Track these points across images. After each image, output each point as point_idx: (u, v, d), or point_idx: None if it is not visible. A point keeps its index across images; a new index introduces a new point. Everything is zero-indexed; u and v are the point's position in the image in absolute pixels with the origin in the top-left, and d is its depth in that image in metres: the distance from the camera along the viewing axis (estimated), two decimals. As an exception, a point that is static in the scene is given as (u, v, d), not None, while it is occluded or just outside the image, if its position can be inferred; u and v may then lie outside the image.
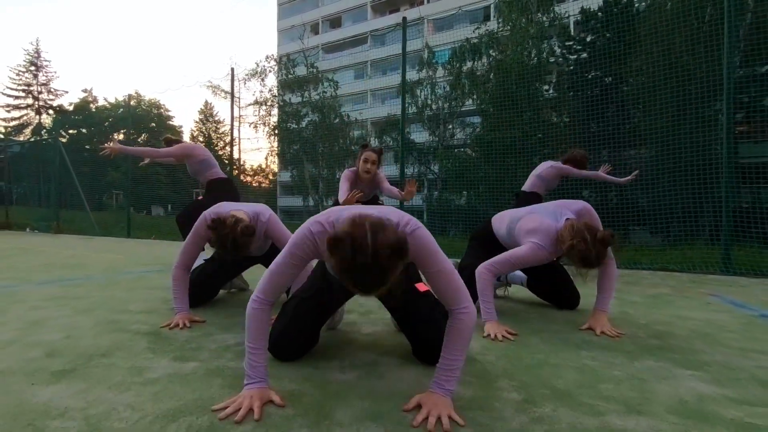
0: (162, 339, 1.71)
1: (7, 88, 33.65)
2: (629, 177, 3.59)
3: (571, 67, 11.41)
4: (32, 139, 26.87)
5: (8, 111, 33.55)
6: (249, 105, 19.93)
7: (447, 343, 1.15)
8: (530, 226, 1.94)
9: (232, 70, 7.52)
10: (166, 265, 3.95)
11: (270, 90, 18.02)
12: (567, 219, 1.89)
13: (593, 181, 5.66)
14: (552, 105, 9.62)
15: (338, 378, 1.32)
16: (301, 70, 17.51)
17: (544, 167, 3.46)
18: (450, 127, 15.20)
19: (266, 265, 2.19)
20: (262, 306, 1.21)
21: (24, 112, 33.91)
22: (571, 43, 12.44)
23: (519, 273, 2.59)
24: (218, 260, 2.25)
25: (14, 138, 30.04)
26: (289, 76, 17.39)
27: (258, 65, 17.62)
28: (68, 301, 2.38)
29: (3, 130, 32.58)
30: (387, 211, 1.18)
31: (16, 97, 33.71)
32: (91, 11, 72.12)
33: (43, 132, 32.41)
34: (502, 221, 2.19)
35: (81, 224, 10.04)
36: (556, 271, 2.31)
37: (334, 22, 36.77)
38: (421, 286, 1.52)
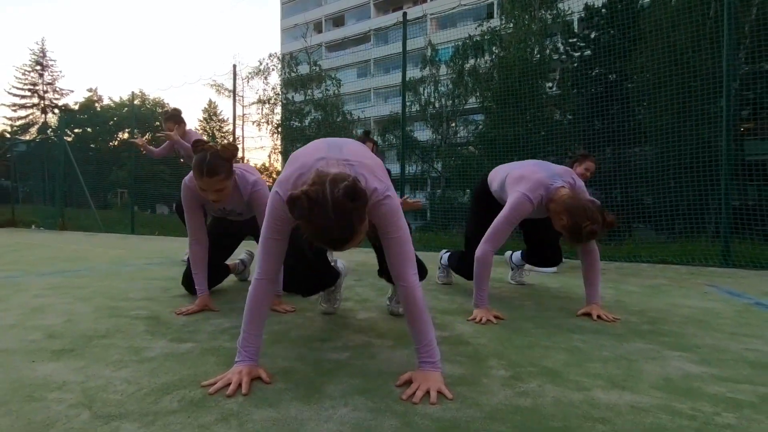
0: (160, 323, 1.74)
1: (13, 87, 33.89)
2: None
3: (575, 64, 11.37)
4: (38, 138, 27.08)
5: (14, 110, 33.81)
6: (252, 104, 20.01)
7: (410, 321, 1.18)
8: (520, 172, 1.93)
9: (234, 67, 7.55)
10: (167, 258, 3.99)
11: (273, 88, 18.09)
12: (562, 186, 1.83)
13: (596, 178, 5.67)
14: (555, 102, 9.60)
15: (330, 357, 1.35)
16: (303, 69, 17.55)
17: None
18: (453, 125, 15.20)
19: (256, 238, 2.16)
20: (261, 283, 1.22)
21: (30, 111, 34.16)
22: (574, 40, 12.39)
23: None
24: (210, 233, 2.11)
25: (20, 137, 30.29)
26: (292, 74, 17.43)
27: (261, 63, 17.69)
28: (69, 290, 2.42)
29: (9, 129, 32.86)
30: (365, 172, 1.15)
31: (22, 97, 33.95)
32: (95, 11, 72.56)
33: (48, 131, 32.65)
34: (496, 175, 2.17)
35: (85, 221, 10.13)
36: (547, 229, 2.27)
37: (337, 20, 36.80)
38: None
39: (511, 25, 13.85)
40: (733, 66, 4.68)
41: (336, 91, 16.90)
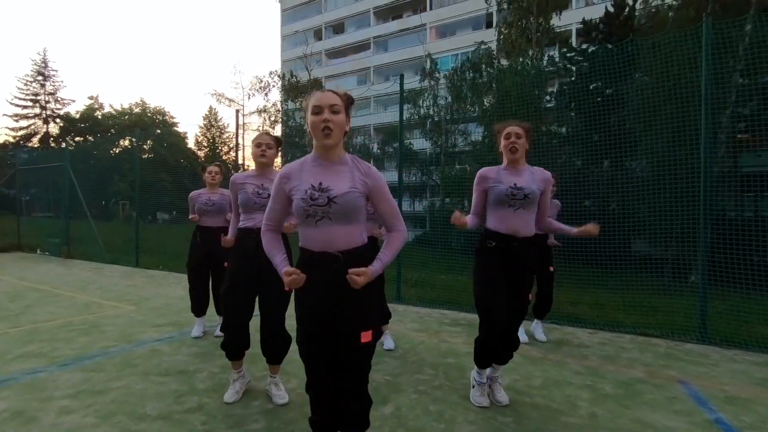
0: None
1: (15, 98, 34.18)
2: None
3: (572, 78, 11.43)
4: (41, 147, 27.28)
5: (16, 120, 34.08)
6: (251, 113, 20.25)
7: (386, 245, 1.69)
8: None
9: (237, 112, 7.74)
10: (176, 329, 4.21)
11: (273, 104, 18.35)
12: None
13: (594, 191, 5.99)
14: (553, 117, 9.70)
15: None
16: (303, 76, 17.74)
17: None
18: (452, 137, 15.40)
19: (273, 295, 2.52)
20: (267, 232, 1.76)
21: (32, 121, 34.44)
22: (572, 54, 12.50)
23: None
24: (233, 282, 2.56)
25: (24, 146, 30.56)
26: (293, 87, 17.66)
27: (261, 80, 17.96)
28: (92, 398, 2.64)
29: (11, 140, 33.10)
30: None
31: (24, 107, 34.23)
32: (94, 15, 72.73)
33: (50, 140, 32.94)
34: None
35: (90, 247, 10.32)
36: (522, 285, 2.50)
37: (337, 27, 36.95)
38: (366, 336, 1.62)
39: (510, 42, 14.04)
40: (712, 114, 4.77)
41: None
